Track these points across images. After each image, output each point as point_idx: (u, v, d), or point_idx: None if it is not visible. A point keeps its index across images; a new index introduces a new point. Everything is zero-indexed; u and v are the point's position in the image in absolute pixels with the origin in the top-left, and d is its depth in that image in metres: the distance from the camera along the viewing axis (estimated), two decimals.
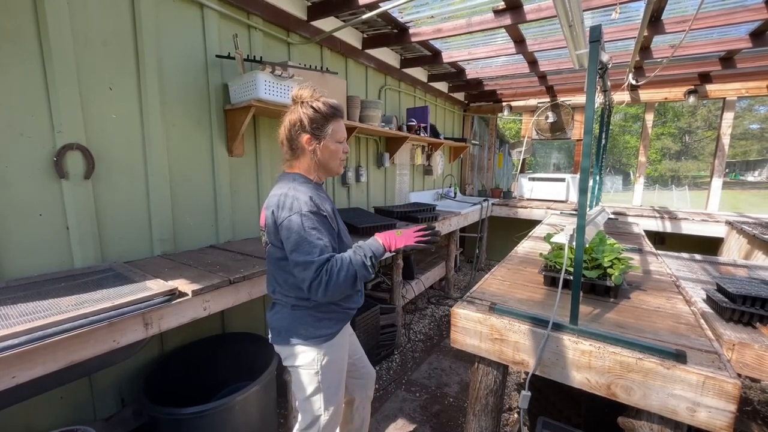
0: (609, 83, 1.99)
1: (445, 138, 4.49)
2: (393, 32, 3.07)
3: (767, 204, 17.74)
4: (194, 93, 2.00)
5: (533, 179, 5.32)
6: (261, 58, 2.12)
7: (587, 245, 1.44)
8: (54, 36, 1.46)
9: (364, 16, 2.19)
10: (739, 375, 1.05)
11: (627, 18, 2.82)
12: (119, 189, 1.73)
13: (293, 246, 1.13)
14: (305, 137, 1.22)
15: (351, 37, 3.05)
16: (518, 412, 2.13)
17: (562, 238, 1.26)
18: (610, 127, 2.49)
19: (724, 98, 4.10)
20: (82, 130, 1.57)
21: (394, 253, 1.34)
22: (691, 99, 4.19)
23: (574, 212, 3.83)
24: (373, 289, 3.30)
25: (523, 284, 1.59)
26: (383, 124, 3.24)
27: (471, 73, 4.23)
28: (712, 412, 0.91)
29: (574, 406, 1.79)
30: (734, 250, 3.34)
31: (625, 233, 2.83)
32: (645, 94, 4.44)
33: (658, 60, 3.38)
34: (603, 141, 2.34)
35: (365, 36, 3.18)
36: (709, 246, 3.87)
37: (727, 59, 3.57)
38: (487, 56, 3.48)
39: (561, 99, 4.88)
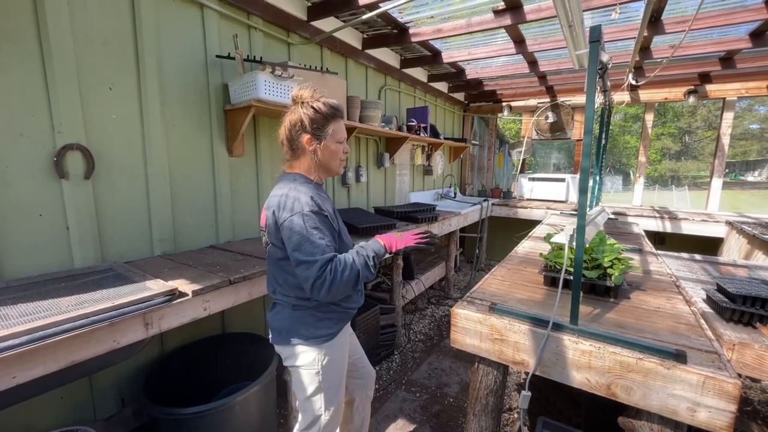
0: (609, 83, 1.99)
1: (445, 138, 4.49)
2: (393, 32, 3.07)
3: (767, 204, 17.74)
4: (194, 93, 2.00)
5: (533, 179, 5.32)
6: (261, 58, 2.12)
7: (587, 245, 1.44)
8: (54, 36, 1.46)
9: (364, 17, 2.19)
10: (740, 375, 1.05)
11: (627, 18, 2.82)
12: (119, 189, 1.73)
13: (295, 246, 1.13)
14: (306, 137, 1.22)
15: (351, 37, 3.05)
16: (518, 412, 2.13)
17: (562, 238, 1.26)
18: (610, 127, 2.49)
19: (724, 98, 4.10)
20: (82, 130, 1.57)
21: (394, 254, 1.35)
22: (691, 99, 4.19)
23: (574, 212, 3.83)
24: (373, 289, 3.30)
25: (523, 284, 1.59)
26: (383, 124, 3.24)
27: (471, 73, 4.23)
28: (712, 412, 0.91)
29: (574, 406, 1.80)
30: (734, 250, 3.34)
31: (625, 233, 2.83)
32: (645, 94, 4.44)
33: (658, 60, 3.38)
34: (603, 141, 2.34)
35: (365, 36, 3.18)
36: (709, 246, 3.87)
37: (727, 59, 3.57)
38: (487, 56, 3.48)
39: (561, 99, 4.88)
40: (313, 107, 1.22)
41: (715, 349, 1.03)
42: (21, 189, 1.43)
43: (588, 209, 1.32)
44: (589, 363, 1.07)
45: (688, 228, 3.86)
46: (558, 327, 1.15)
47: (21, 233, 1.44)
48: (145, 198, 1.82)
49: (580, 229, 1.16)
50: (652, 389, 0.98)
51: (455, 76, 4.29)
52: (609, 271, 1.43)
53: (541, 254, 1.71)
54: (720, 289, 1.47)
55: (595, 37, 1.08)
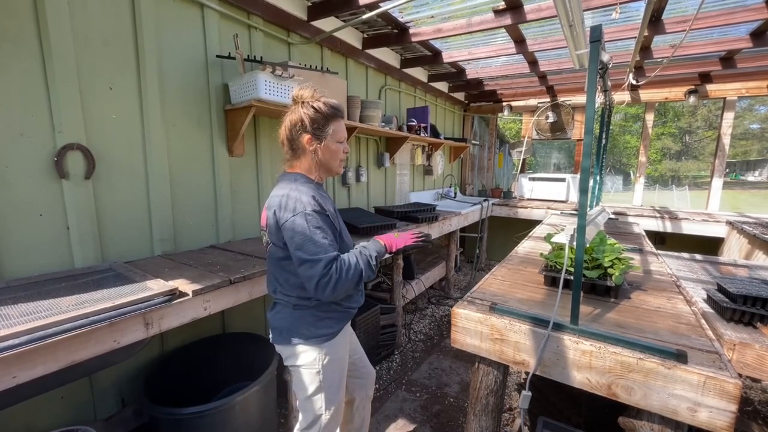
0: (609, 83, 1.99)
1: (446, 138, 4.49)
2: (393, 32, 3.07)
3: (767, 204, 17.73)
4: (194, 93, 2.00)
5: (533, 179, 5.32)
6: (261, 58, 2.12)
7: (588, 245, 1.44)
8: (54, 36, 1.46)
9: (365, 16, 2.19)
10: (740, 375, 1.05)
11: (627, 18, 2.82)
12: (119, 189, 1.73)
13: (298, 245, 1.13)
14: (306, 137, 1.22)
15: (351, 37, 3.05)
16: (519, 412, 2.13)
17: (562, 238, 1.26)
18: (611, 127, 2.49)
19: (725, 98, 4.10)
20: (82, 130, 1.57)
21: (394, 254, 1.36)
22: (692, 99, 4.18)
23: (574, 212, 3.83)
24: (373, 289, 3.30)
25: (524, 284, 1.59)
26: (383, 124, 3.24)
27: (471, 73, 4.23)
28: (712, 412, 0.91)
29: (574, 406, 1.79)
30: (735, 250, 3.34)
31: (626, 233, 2.83)
32: (645, 94, 4.44)
33: (659, 60, 3.38)
34: (603, 141, 2.34)
35: (365, 36, 3.18)
36: (710, 246, 3.87)
37: (728, 59, 3.57)
38: (488, 56, 3.48)
39: (561, 99, 4.88)
40: (313, 107, 1.22)
41: (715, 349, 1.03)
42: (21, 189, 1.43)
43: (588, 209, 1.32)
44: (589, 363, 1.07)
45: (689, 228, 3.86)
46: (558, 327, 1.15)
47: (21, 233, 1.44)
48: (146, 198, 1.82)
49: (581, 229, 1.16)
50: (652, 389, 0.98)
51: (455, 75, 4.29)
52: (609, 271, 1.43)
53: (541, 254, 1.71)
54: (720, 289, 1.47)
55: (596, 36, 1.08)
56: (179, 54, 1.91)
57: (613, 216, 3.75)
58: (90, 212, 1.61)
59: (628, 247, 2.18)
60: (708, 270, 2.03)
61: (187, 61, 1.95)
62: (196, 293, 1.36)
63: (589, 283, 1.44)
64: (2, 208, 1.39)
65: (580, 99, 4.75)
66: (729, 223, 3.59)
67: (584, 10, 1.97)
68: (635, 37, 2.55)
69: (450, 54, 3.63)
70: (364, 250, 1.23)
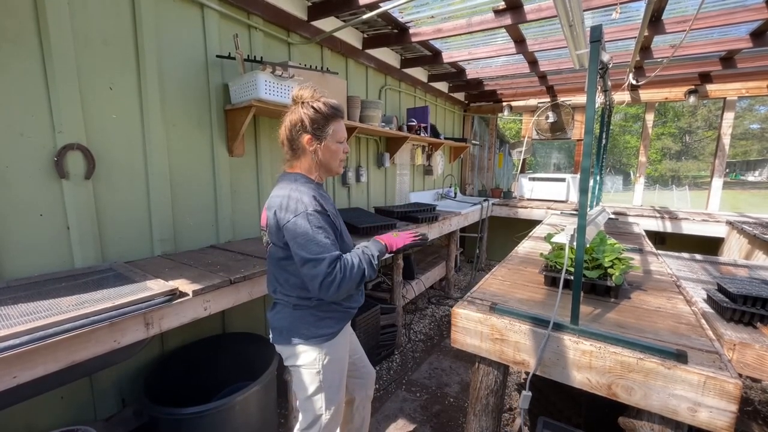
0: (609, 83, 1.99)
1: (446, 138, 4.49)
2: (393, 32, 3.07)
3: (767, 204, 17.72)
4: (194, 93, 2.00)
5: (533, 179, 5.32)
6: (261, 58, 2.12)
7: (588, 245, 1.44)
8: (54, 35, 1.46)
9: (365, 16, 2.19)
10: (740, 375, 1.05)
11: (627, 18, 2.82)
12: (119, 189, 1.73)
13: (301, 245, 1.12)
14: (306, 137, 1.22)
15: (351, 37, 3.05)
16: (519, 412, 2.13)
17: (562, 238, 1.26)
18: (611, 127, 2.49)
19: (725, 98, 4.10)
20: (82, 130, 1.57)
21: (394, 253, 1.37)
22: (692, 99, 4.18)
23: (574, 212, 3.83)
24: (373, 289, 3.30)
25: (524, 284, 1.59)
26: (383, 124, 3.24)
27: (471, 73, 4.23)
28: (713, 412, 0.91)
29: (574, 406, 1.79)
30: (735, 250, 3.34)
31: (626, 233, 2.83)
32: (645, 94, 4.44)
33: (659, 60, 3.38)
34: (603, 141, 2.34)
35: (365, 36, 3.18)
36: (710, 246, 3.87)
37: (728, 59, 3.57)
38: (488, 56, 3.48)
39: (561, 99, 4.88)
40: (313, 107, 1.22)
41: (715, 349, 1.03)
42: (21, 189, 1.43)
43: (588, 209, 1.32)
44: (589, 363, 1.07)
45: (689, 228, 3.86)
46: (558, 327, 1.15)
47: (21, 233, 1.44)
48: (146, 198, 1.82)
49: (581, 229, 1.16)
50: (652, 389, 0.98)
51: (455, 76, 4.29)
52: (609, 271, 1.43)
53: (541, 254, 1.71)
54: (721, 289, 1.47)
55: (596, 36, 1.08)
56: (179, 54, 1.91)
57: (613, 216, 3.76)
58: (90, 212, 1.61)
59: (628, 247, 2.18)
60: (708, 270, 2.03)
61: (187, 61, 1.95)
62: (196, 293, 1.36)
63: (589, 283, 1.44)
64: (2, 208, 1.39)
65: (580, 99, 4.75)
66: (729, 223, 3.59)
67: (584, 10, 1.98)
68: (635, 37, 2.55)
69: (450, 54, 3.63)
70: (366, 250, 1.24)
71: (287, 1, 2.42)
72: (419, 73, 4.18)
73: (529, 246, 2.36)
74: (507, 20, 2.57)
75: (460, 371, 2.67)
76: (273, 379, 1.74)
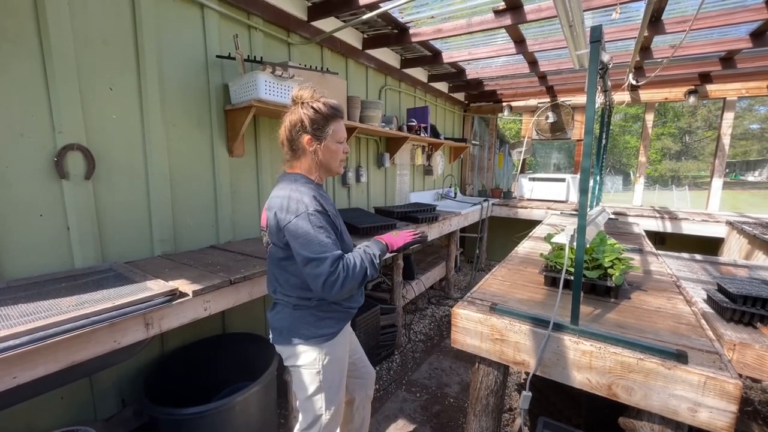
0: (609, 83, 1.99)
1: (446, 138, 4.49)
2: (393, 32, 3.07)
3: (767, 204, 17.73)
4: (195, 93, 2.00)
5: (533, 179, 5.32)
6: (261, 58, 2.12)
7: (588, 245, 1.44)
8: (54, 36, 1.46)
9: (365, 17, 2.19)
10: (740, 375, 1.05)
11: (627, 18, 2.82)
12: (120, 189, 1.73)
13: (303, 245, 1.12)
14: (306, 138, 1.22)
15: (351, 37, 3.05)
16: (519, 413, 2.13)
17: (562, 239, 1.26)
18: (611, 127, 2.49)
19: (725, 98, 4.10)
20: (82, 130, 1.57)
21: (395, 253, 1.38)
22: (692, 99, 4.19)
23: (574, 212, 3.83)
24: (373, 290, 3.30)
25: (524, 284, 1.59)
26: (383, 124, 3.24)
27: (471, 73, 4.23)
28: (713, 412, 0.91)
29: (574, 406, 1.80)
30: (735, 250, 3.34)
31: (626, 233, 2.83)
32: (645, 94, 4.44)
33: (659, 60, 3.38)
34: (603, 141, 2.34)
35: (365, 36, 3.18)
36: (710, 246, 3.87)
37: (727, 59, 3.57)
38: (488, 56, 3.48)
39: (561, 99, 4.88)
40: (313, 107, 1.22)
41: (715, 350, 1.03)
42: (21, 189, 1.43)
43: (588, 209, 1.32)
44: (589, 363, 1.07)
45: (689, 228, 3.86)
46: (559, 327, 1.15)
47: (21, 233, 1.44)
48: (146, 198, 1.82)
49: (581, 230, 1.16)
50: (653, 389, 0.98)
51: (455, 76, 4.29)
52: (610, 271, 1.43)
53: (541, 254, 1.71)
54: (720, 290, 1.47)
55: (596, 37, 1.08)
56: (179, 54, 1.91)
57: (613, 216, 3.76)
58: (90, 212, 1.61)
59: (628, 247, 2.18)
60: (708, 270, 2.03)
61: (187, 62, 1.95)
62: (196, 293, 1.36)
63: (589, 283, 1.44)
64: (2, 208, 1.39)
65: (580, 99, 4.75)
66: (729, 223, 3.59)
67: (584, 11, 1.98)
68: (635, 38, 2.55)
69: (450, 54, 3.63)
70: (368, 249, 1.24)
71: (287, 2, 2.42)
72: (419, 73, 4.18)
73: (529, 246, 2.36)
74: (507, 20, 2.57)
75: (460, 371, 2.67)
76: (273, 380, 1.74)
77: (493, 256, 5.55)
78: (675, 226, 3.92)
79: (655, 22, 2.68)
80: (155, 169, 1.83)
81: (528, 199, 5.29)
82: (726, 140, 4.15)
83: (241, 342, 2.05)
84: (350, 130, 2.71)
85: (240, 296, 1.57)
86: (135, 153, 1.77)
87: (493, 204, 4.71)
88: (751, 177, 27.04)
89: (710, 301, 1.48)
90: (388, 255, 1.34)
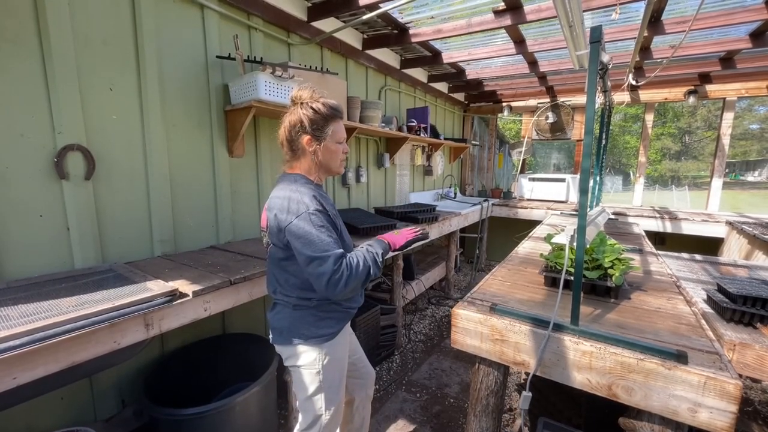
0: (609, 83, 1.99)
1: (445, 138, 4.49)
2: (393, 33, 3.07)
3: (767, 204, 17.73)
4: (195, 93, 2.00)
5: (533, 179, 5.32)
6: (261, 58, 2.12)
7: (588, 246, 1.44)
8: (54, 36, 1.46)
9: (365, 17, 2.20)
10: (740, 375, 1.05)
11: (627, 18, 2.82)
12: (120, 190, 1.73)
13: (304, 245, 1.12)
14: (306, 138, 1.23)
15: (351, 37, 3.06)
16: (519, 413, 2.13)
17: (562, 239, 1.26)
18: (610, 128, 2.49)
19: (724, 98, 4.10)
20: (82, 130, 1.57)
21: (397, 252, 1.38)
22: (691, 99, 4.19)
23: (574, 212, 3.83)
24: (373, 290, 3.30)
25: (524, 285, 1.59)
26: (383, 124, 3.24)
27: (471, 73, 4.23)
28: (713, 412, 0.91)
29: (574, 406, 1.80)
30: (734, 250, 3.34)
31: (626, 233, 2.83)
32: (645, 95, 4.44)
33: (658, 60, 3.38)
34: (603, 141, 2.34)
35: (365, 36, 3.18)
36: (710, 246, 3.87)
37: (727, 59, 3.57)
38: (487, 57, 3.48)
39: (561, 99, 4.88)
40: (312, 108, 1.22)
41: (715, 350, 1.03)
42: (21, 189, 1.43)
43: (588, 209, 1.32)
44: (590, 363, 1.07)
45: (689, 228, 3.86)
46: (559, 327, 1.15)
47: (21, 234, 1.44)
48: (146, 198, 1.82)
49: (581, 230, 1.16)
50: (653, 390, 0.98)
51: (455, 76, 4.29)
52: (610, 271, 1.43)
53: (541, 255, 1.71)
54: (720, 290, 1.47)
55: (596, 37, 1.08)
56: (179, 54, 1.91)
57: (613, 216, 3.76)
58: (90, 213, 1.61)
59: (628, 247, 2.18)
60: (708, 270, 2.03)
61: (187, 62, 1.95)
62: (196, 294, 1.36)
63: (589, 283, 1.44)
64: (2, 208, 1.39)
65: (580, 99, 4.75)
66: (729, 223, 3.59)
67: (584, 11, 1.98)
68: (635, 38, 2.55)
69: (450, 54, 3.63)
70: (370, 248, 1.24)
71: (287, 2, 2.42)
72: (419, 73, 4.18)
73: (529, 246, 2.36)
74: (507, 21, 2.57)
75: (460, 372, 2.67)
76: (273, 380, 1.74)
77: (493, 257, 5.56)
78: (675, 226, 3.92)
79: (654, 22, 2.68)
80: (155, 170, 1.83)
81: (528, 200, 5.29)
82: (726, 140, 4.15)
83: (241, 342, 2.05)
84: (350, 131, 2.72)
85: (240, 296, 1.57)
86: (135, 153, 1.77)
87: (493, 204, 4.71)
88: (750, 177, 27.05)
89: (710, 301, 1.48)
90: (390, 254, 1.34)
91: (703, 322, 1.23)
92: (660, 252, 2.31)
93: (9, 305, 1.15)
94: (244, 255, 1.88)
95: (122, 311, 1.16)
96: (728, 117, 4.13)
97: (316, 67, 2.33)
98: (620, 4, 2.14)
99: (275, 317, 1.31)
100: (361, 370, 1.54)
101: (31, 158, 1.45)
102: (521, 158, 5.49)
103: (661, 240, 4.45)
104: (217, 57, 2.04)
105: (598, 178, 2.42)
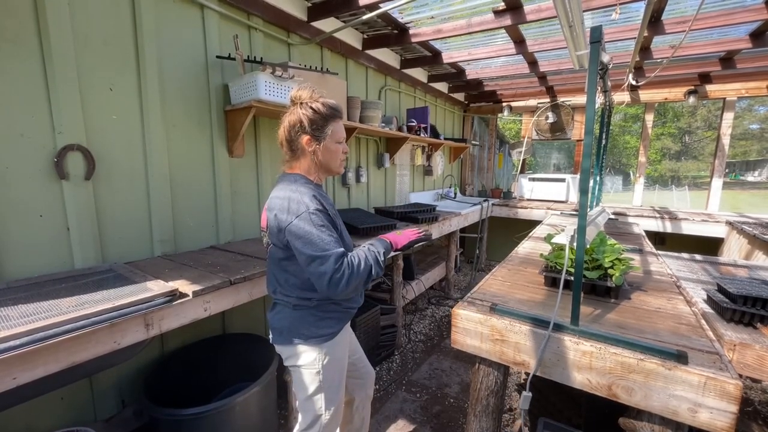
0: (609, 83, 1.99)
1: (445, 138, 4.49)
2: (393, 33, 3.07)
3: (767, 204, 17.74)
4: (195, 93, 2.00)
5: (533, 179, 5.32)
6: (261, 58, 2.12)
7: (588, 246, 1.44)
8: (54, 36, 1.46)
9: (365, 17, 2.20)
10: (740, 375, 1.05)
11: (627, 18, 2.82)
12: (120, 190, 1.73)
13: (305, 244, 1.12)
14: (305, 138, 1.23)
15: (351, 37, 3.06)
16: (519, 413, 2.13)
17: (562, 239, 1.26)
18: (610, 128, 2.49)
19: (724, 98, 4.10)
20: (82, 130, 1.57)
21: (399, 251, 1.38)
22: (691, 99, 4.19)
23: (574, 212, 3.83)
24: (373, 290, 3.30)
25: (524, 285, 1.59)
26: (383, 124, 3.24)
27: (471, 73, 4.23)
28: (713, 412, 0.91)
29: (574, 406, 1.80)
30: (734, 250, 3.34)
31: (626, 233, 2.83)
32: (645, 95, 4.44)
33: (658, 60, 3.38)
34: (603, 141, 2.34)
35: (365, 36, 3.18)
36: (710, 246, 3.87)
37: (727, 59, 3.57)
38: (487, 57, 3.48)
39: (561, 99, 4.88)
40: (311, 108, 1.22)
41: (716, 350, 1.03)
42: (21, 190, 1.43)
43: (588, 209, 1.32)
44: (590, 364, 1.07)
45: (689, 228, 3.86)
46: (559, 328, 1.15)
47: (21, 234, 1.44)
48: (146, 198, 1.82)
49: (581, 230, 1.16)
50: (653, 390, 0.98)
51: (455, 76, 4.29)
52: (610, 271, 1.43)
53: (541, 255, 1.71)
54: (721, 290, 1.47)
55: (596, 37, 1.08)
56: (179, 54, 1.91)
57: (613, 216, 3.76)
58: (90, 213, 1.61)
59: (628, 247, 2.18)
60: (708, 270, 2.03)
61: (187, 62, 1.95)
62: (196, 294, 1.36)
63: (589, 283, 1.44)
64: (2, 208, 1.39)
65: (580, 99, 4.75)
66: (729, 223, 3.59)
67: (584, 11, 1.98)
68: (635, 38, 2.55)
69: (450, 54, 3.63)
70: (372, 248, 1.24)
71: (287, 2, 2.42)
72: (419, 73, 4.18)
73: (529, 246, 2.36)
74: (507, 21, 2.57)
75: (460, 372, 2.67)
76: (273, 380, 1.74)
77: (493, 257, 5.55)
78: (675, 226, 3.92)
79: (655, 22, 2.68)
80: (155, 170, 1.83)
81: (528, 200, 5.29)
82: (726, 140, 4.15)
83: (241, 342, 2.05)
84: (350, 131, 2.71)
85: (240, 297, 1.57)
86: (135, 153, 1.77)
87: (493, 204, 4.71)
88: (750, 177, 27.05)
89: (710, 301, 1.48)
90: (392, 253, 1.34)
91: (703, 322, 1.23)
92: (660, 252, 2.31)
93: (9, 305, 1.15)
94: (244, 255, 1.88)
95: (122, 311, 1.16)
96: (728, 117, 4.13)
97: (316, 67, 2.33)
98: (620, 4, 2.14)
99: (275, 317, 1.31)
100: (361, 370, 1.54)
101: (31, 158, 1.45)
102: (521, 158, 5.49)
103: (661, 240, 4.45)
104: (217, 57, 2.04)
105: (598, 178, 2.42)
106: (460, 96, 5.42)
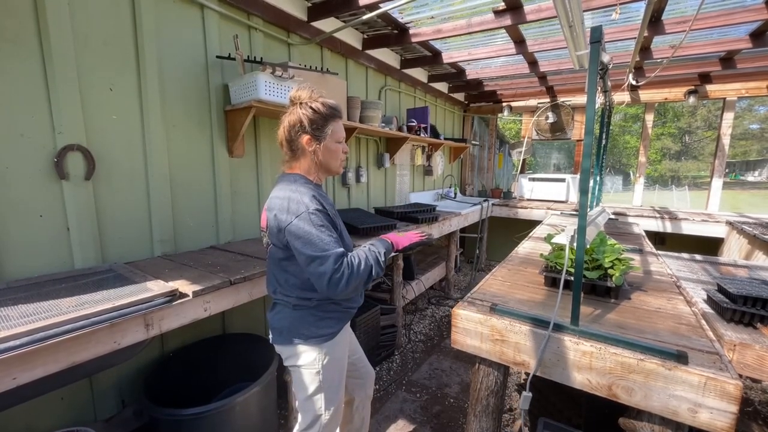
0: (609, 83, 1.99)
1: (445, 138, 4.49)
2: (393, 33, 3.07)
3: (767, 204, 17.73)
4: (195, 94, 2.00)
5: (533, 179, 5.32)
6: (261, 58, 2.12)
7: (588, 246, 1.44)
8: (54, 36, 1.46)
9: (365, 17, 2.20)
10: (741, 376, 1.05)
11: (627, 18, 2.82)
12: (120, 190, 1.73)
13: (305, 244, 1.12)
14: (305, 138, 1.22)
15: (351, 37, 3.05)
16: (519, 413, 2.13)
17: (562, 239, 1.26)
18: (611, 128, 2.49)
19: (724, 98, 4.10)
20: (82, 130, 1.57)
21: (400, 252, 1.38)
22: (691, 99, 4.19)
23: (574, 212, 3.83)
24: (373, 290, 3.30)
25: (524, 285, 1.59)
26: (383, 124, 3.24)
27: (471, 73, 4.23)
28: (713, 413, 0.91)
29: (574, 406, 1.80)
30: (734, 250, 3.34)
31: (626, 233, 2.83)
32: (645, 95, 4.44)
33: (658, 60, 3.38)
34: (603, 141, 2.34)
35: (365, 36, 3.18)
36: (710, 246, 3.87)
37: (727, 59, 3.57)
38: (487, 57, 3.48)
39: (561, 99, 4.88)
40: (311, 108, 1.22)
41: (716, 350, 1.03)
42: (21, 190, 1.43)
43: (588, 209, 1.32)
44: (590, 364, 1.07)
45: (689, 228, 3.86)
46: (559, 328, 1.15)
47: (21, 234, 1.44)
48: (146, 199, 1.82)
49: (581, 230, 1.16)
50: (653, 390, 0.98)
51: (455, 76, 4.29)
52: (610, 271, 1.43)
53: (541, 255, 1.71)
54: (721, 290, 1.47)
55: (596, 37, 1.08)
56: (179, 54, 1.91)
57: (613, 216, 3.76)
58: (90, 213, 1.61)
59: (628, 247, 2.18)
60: (708, 270, 2.03)
61: (187, 62, 1.95)
62: (196, 294, 1.36)
63: (589, 283, 1.44)
64: (2, 208, 1.39)
65: (580, 99, 4.75)
66: (729, 223, 3.59)
67: (584, 11, 1.98)
68: (635, 38, 2.55)
69: (450, 54, 3.63)
70: (372, 248, 1.24)
71: (287, 2, 2.42)
72: (419, 73, 4.18)
73: (529, 246, 2.36)
74: (507, 21, 2.57)
75: (460, 372, 2.67)
76: (273, 380, 1.74)
77: (493, 257, 5.56)
78: (675, 226, 3.92)
79: (655, 22, 2.68)
80: (155, 170, 1.82)
81: (528, 200, 5.29)
82: (726, 140, 4.15)
83: (241, 342, 2.05)
84: (350, 131, 2.71)
85: (240, 297, 1.57)
86: (135, 153, 1.77)
87: (493, 204, 4.71)
88: (750, 177, 27.04)
89: (710, 301, 1.48)
90: (393, 254, 1.34)
91: (703, 322, 1.23)
92: (660, 252, 2.31)
93: (9, 305, 1.15)
94: (244, 255, 1.88)
95: (122, 311, 1.16)
96: (728, 117, 4.13)
97: (316, 67, 2.33)
98: (620, 4, 2.14)
99: (275, 317, 1.31)
100: (361, 370, 1.54)
101: (31, 158, 1.45)
102: (521, 158, 5.49)
103: (661, 240, 4.45)
104: (217, 57, 2.04)
105: (598, 178, 2.42)
106: (460, 96, 5.42)
